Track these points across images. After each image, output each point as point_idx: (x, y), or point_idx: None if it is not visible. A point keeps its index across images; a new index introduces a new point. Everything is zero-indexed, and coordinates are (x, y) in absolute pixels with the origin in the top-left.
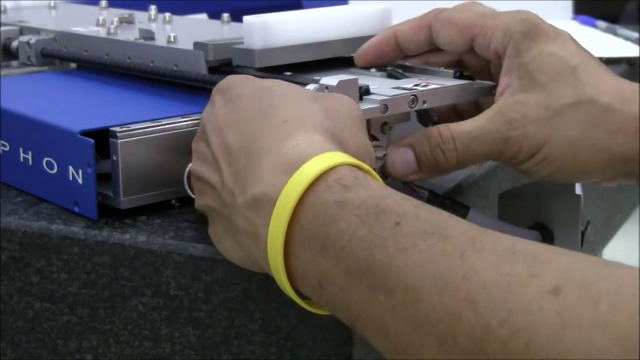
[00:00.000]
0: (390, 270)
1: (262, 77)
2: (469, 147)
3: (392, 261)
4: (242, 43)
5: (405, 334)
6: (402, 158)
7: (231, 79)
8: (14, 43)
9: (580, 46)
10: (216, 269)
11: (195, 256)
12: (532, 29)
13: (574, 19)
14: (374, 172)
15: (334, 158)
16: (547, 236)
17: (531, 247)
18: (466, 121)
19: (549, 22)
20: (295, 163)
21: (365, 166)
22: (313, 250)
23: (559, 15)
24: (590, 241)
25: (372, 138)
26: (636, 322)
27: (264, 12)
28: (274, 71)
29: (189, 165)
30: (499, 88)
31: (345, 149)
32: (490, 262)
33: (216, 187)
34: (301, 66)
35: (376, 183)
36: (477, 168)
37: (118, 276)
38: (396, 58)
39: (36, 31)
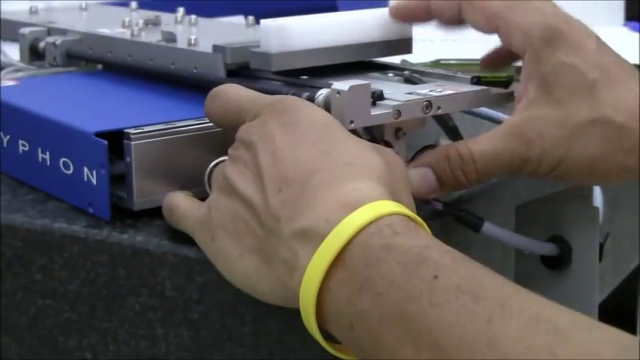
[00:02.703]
0: (421, 325)
1: (279, 81)
2: (489, 166)
3: (423, 316)
4: (259, 46)
5: None
6: (423, 179)
7: (286, 102)
8: (41, 44)
9: (605, 54)
10: (209, 271)
11: (190, 258)
12: (553, 37)
13: (625, 25)
14: (425, 226)
15: (392, 206)
16: (565, 249)
17: (556, 318)
18: (484, 137)
19: (597, 28)
20: (354, 203)
21: (418, 219)
22: (351, 290)
23: (609, 21)
24: (626, 252)
25: (386, 144)
26: None
27: (298, 14)
28: (290, 75)
29: (213, 163)
30: (517, 93)
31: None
32: (514, 331)
33: (254, 206)
34: (317, 70)
35: (425, 234)
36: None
37: (116, 275)
38: (427, 21)
39: (63, 32)
